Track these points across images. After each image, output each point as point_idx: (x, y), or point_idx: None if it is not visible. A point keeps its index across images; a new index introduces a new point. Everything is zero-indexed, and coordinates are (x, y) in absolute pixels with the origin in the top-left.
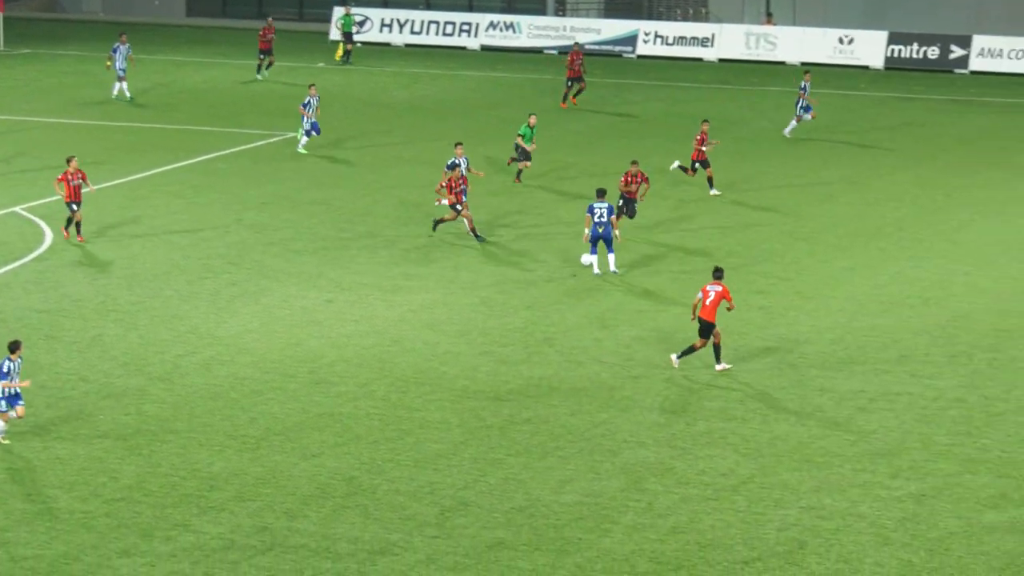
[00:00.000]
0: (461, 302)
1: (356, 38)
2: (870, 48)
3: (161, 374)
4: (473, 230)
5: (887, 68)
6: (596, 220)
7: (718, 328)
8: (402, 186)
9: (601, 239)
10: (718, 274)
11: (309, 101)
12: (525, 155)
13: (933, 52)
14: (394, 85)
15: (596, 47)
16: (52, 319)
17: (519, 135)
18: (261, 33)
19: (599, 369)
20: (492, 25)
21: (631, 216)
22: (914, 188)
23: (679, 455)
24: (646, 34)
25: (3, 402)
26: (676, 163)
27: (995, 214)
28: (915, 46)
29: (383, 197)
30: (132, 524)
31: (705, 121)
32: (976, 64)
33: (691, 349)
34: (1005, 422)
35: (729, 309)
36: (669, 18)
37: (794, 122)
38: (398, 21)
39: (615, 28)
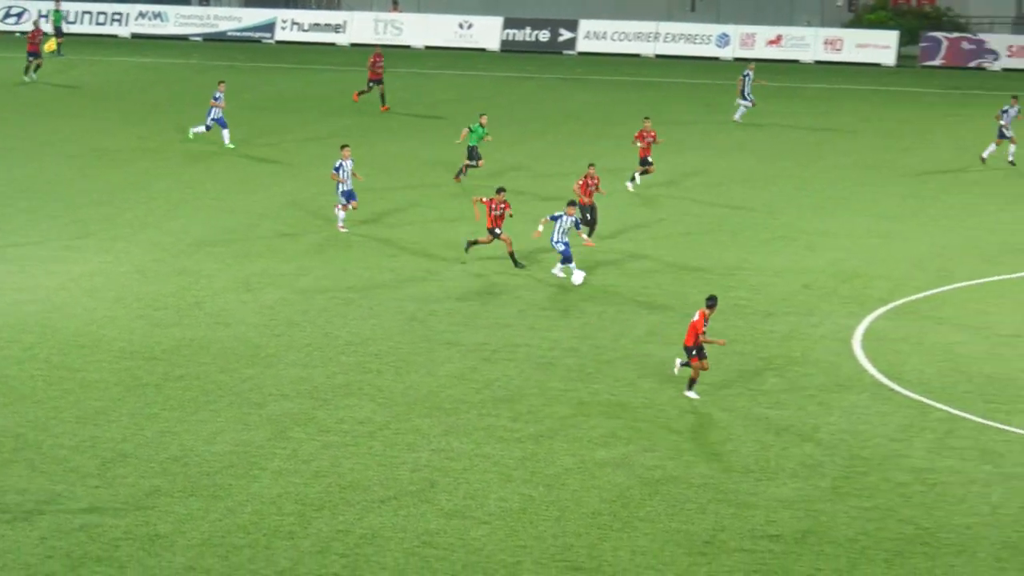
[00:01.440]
0: (117, 271)
1: (13, 28)
2: (487, 32)
3: None
4: (512, 255)
5: (503, 51)
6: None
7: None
8: (53, 162)
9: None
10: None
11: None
12: (476, 155)
13: (544, 35)
14: (52, 70)
15: (238, 34)
16: None
17: (468, 130)
18: (30, 36)
19: (245, 329)
20: (141, 15)
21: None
22: (529, 160)
23: (320, 405)
24: (283, 21)
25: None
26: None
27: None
28: (528, 30)
29: (38, 174)
30: None
31: (647, 118)
32: (583, 46)
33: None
34: (613, 368)
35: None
36: (304, 6)
37: (742, 108)
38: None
39: (255, 16)
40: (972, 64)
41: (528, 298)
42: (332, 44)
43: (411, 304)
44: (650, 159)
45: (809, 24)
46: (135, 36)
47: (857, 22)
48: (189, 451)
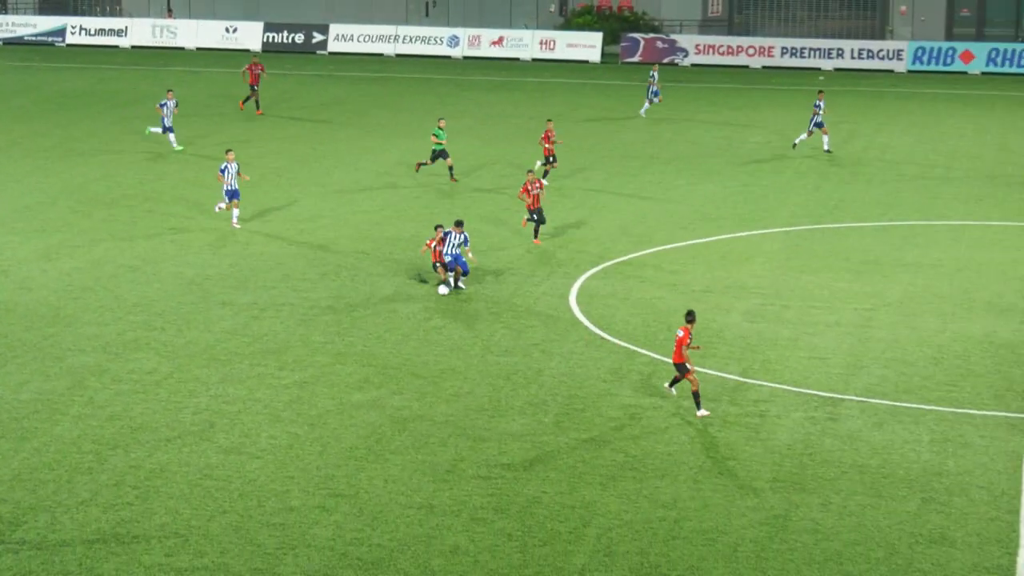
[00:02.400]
0: None
1: None
2: (250, 35)
3: None
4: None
5: (264, 51)
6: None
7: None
8: None
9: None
10: (689, 317)
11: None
12: (443, 155)
13: (300, 38)
14: None
15: (33, 38)
16: None
17: (434, 136)
18: None
19: (46, 293)
20: None
21: (541, 222)
22: (288, 144)
23: (113, 359)
24: (73, 27)
25: None
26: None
27: (350, 162)
28: (286, 33)
29: None
30: None
31: (549, 120)
32: (333, 47)
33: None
34: (366, 323)
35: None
36: (91, 14)
37: (647, 104)
38: None
39: (49, 23)
40: (666, 60)
41: (289, 265)
42: (116, 47)
43: (190, 270)
44: (552, 157)
45: (527, 27)
46: None
47: (567, 25)
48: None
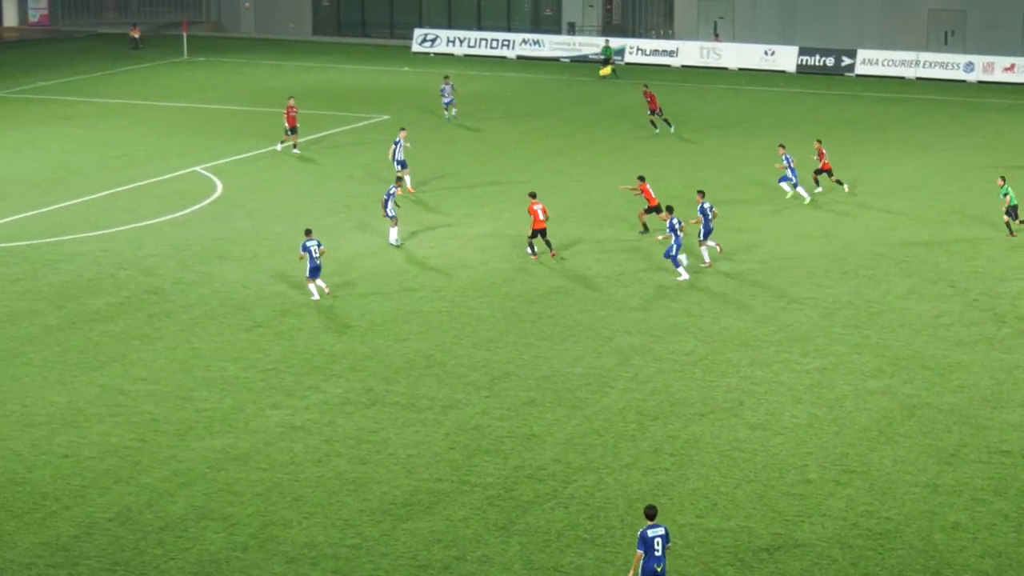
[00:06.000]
0: (505, 233)
1: (430, 49)
2: (786, 57)
3: (297, 283)
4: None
5: (798, 72)
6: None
7: None
8: (461, 150)
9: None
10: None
11: (445, 87)
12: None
13: (830, 61)
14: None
15: (597, 56)
16: (222, 245)
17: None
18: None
19: (599, 280)
20: (524, 41)
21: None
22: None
23: (655, 340)
24: (631, 47)
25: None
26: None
27: (873, 172)
28: (818, 56)
29: (449, 160)
30: (278, 386)
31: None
32: (860, 69)
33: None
34: (881, 319)
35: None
36: (647, 36)
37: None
38: (459, 38)
39: (610, 43)
40: None
41: (813, 264)
42: (667, 66)
43: (725, 264)
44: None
45: None
46: (520, 57)
47: None
48: (556, 372)
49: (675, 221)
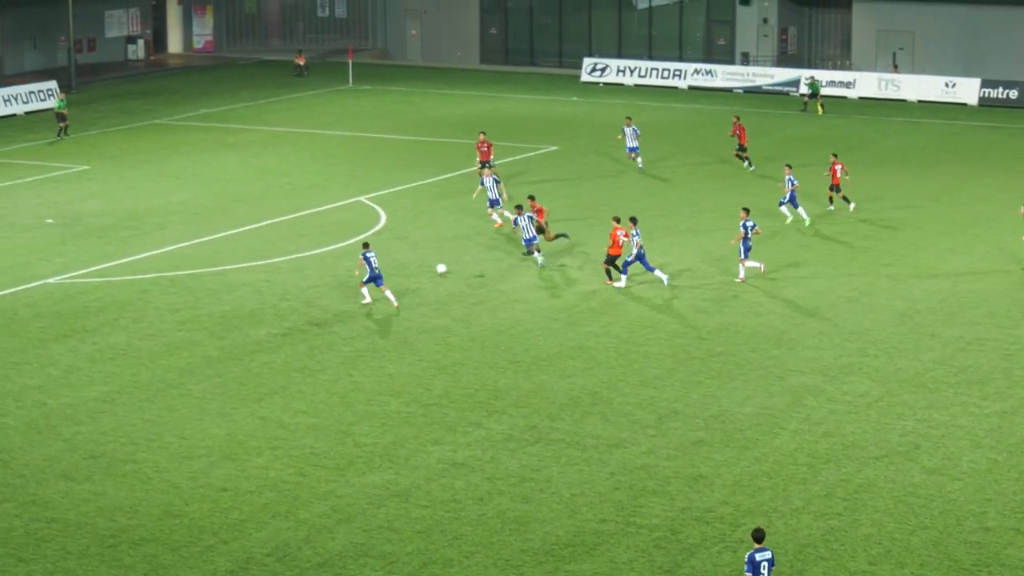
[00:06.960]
0: (670, 269)
1: (599, 79)
2: (968, 90)
3: (461, 316)
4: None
5: (980, 105)
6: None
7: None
8: (626, 181)
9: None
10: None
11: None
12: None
13: (1014, 93)
14: (623, 112)
15: (771, 87)
16: (385, 277)
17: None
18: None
19: (772, 318)
20: (696, 71)
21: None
22: (998, 192)
23: (828, 381)
24: (807, 78)
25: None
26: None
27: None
28: (1001, 89)
29: (614, 190)
30: (441, 422)
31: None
32: None
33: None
34: None
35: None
36: (823, 67)
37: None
38: (629, 68)
39: (785, 74)
40: None
41: (994, 302)
42: (844, 97)
43: (901, 303)
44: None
45: None
46: (691, 88)
47: None
48: (725, 411)
49: (749, 223)
